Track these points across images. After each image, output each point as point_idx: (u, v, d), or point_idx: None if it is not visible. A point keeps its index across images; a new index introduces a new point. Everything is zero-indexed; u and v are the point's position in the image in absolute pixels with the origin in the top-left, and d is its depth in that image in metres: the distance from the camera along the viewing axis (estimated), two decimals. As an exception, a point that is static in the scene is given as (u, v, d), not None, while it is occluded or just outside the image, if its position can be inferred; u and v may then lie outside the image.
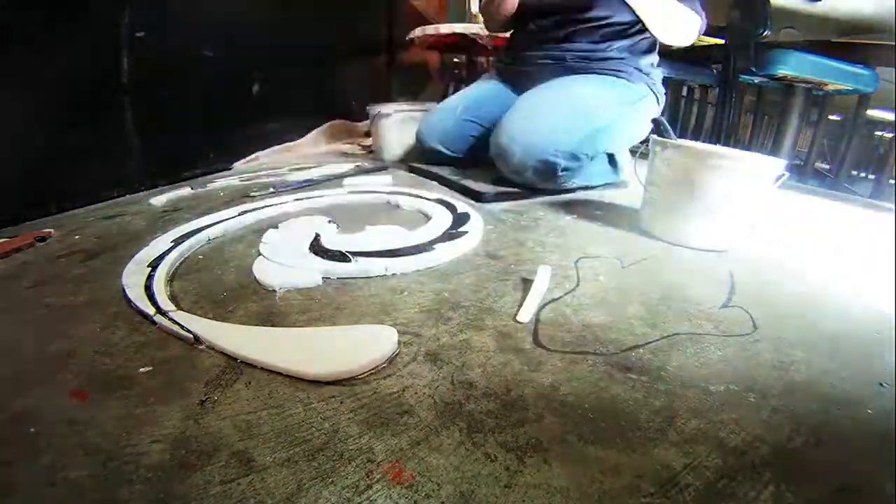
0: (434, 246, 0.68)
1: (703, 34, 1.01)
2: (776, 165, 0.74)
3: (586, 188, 1.12)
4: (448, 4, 2.39)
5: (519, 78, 1.16)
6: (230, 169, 1.24)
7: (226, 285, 0.57)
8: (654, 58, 1.11)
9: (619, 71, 1.05)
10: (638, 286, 0.62)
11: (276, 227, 0.73)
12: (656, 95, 1.11)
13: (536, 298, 0.55)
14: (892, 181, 1.92)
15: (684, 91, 2.45)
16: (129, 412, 0.36)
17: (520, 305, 0.54)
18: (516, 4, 1.07)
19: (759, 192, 0.76)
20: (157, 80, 0.98)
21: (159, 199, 0.89)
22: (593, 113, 0.99)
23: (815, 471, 0.34)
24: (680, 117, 2.47)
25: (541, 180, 1.00)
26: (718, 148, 1.02)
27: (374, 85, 2.03)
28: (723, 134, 1.71)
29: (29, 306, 0.51)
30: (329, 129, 1.69)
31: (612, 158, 1.15)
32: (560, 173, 0.99)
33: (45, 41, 0.77)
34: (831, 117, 2.23)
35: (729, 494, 0.31)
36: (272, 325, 0.49)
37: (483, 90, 1.23)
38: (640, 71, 1.07)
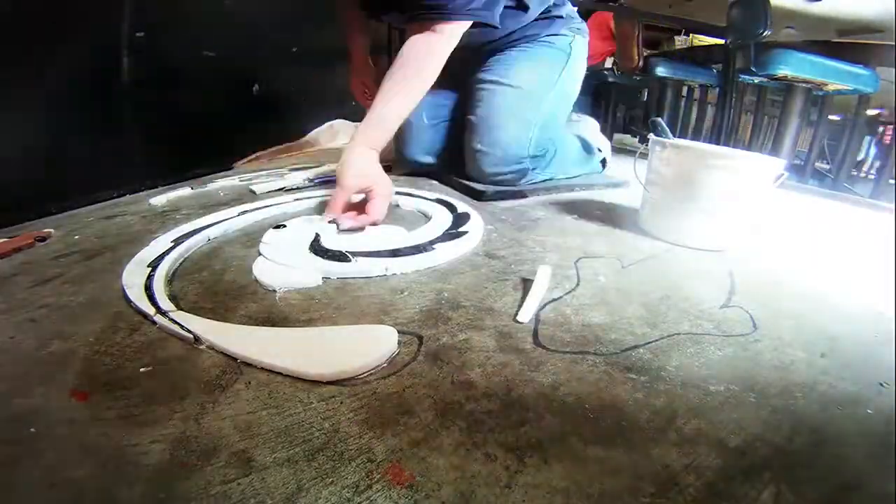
0: (434, 246, 0.68)
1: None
2: (776, 165, 0.74)
3: (570, 180, 1.15)
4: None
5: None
6: (230, 169, 1.24)
7: (226, 285, 0.57)
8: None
9: (534, 37, 1.06)
10: (638, 286, 0.62)
11: (277, 227, 0.73)
12: (577, 33, 1.11)
13: (536, 298, 0.55)
14: (892, 181, 1.92)
15: (684, 91, 2.46)
16: (129, 412, 0.36)
17: (520, 305, 0.54)
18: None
19: (758, 191, 0.76)
20: (157, 80, 0.98)
21: (159, 199, 0.89)
22: (534, 106, 1.03)
23: (815, 471, 0.34)
24: (680, 117, 2.47)
25: (520, 181, 1.06)
26: (718, 148, 1.03)
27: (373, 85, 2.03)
28: (723, 134, 1.71)
29: (29, 306, 0.51)
30: (329, 129, 1.69)
31: (585, 144, 1.20)
32: (532, 170, 1.05)
33: (45, 41, 0.77)
34: (831, 117, 2.23)
35: (729, 494, 0.31)
36: (272, 325, 0.49)
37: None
38: (552, 25, 1.07)
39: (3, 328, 0.47)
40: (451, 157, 1.15)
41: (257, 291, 0.56)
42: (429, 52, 0.82)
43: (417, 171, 1.20)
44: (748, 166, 0.75)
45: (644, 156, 0.87)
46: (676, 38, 2.75)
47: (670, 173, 0.79)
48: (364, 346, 0.44)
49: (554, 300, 0.57)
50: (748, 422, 0.38)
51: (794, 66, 1.42)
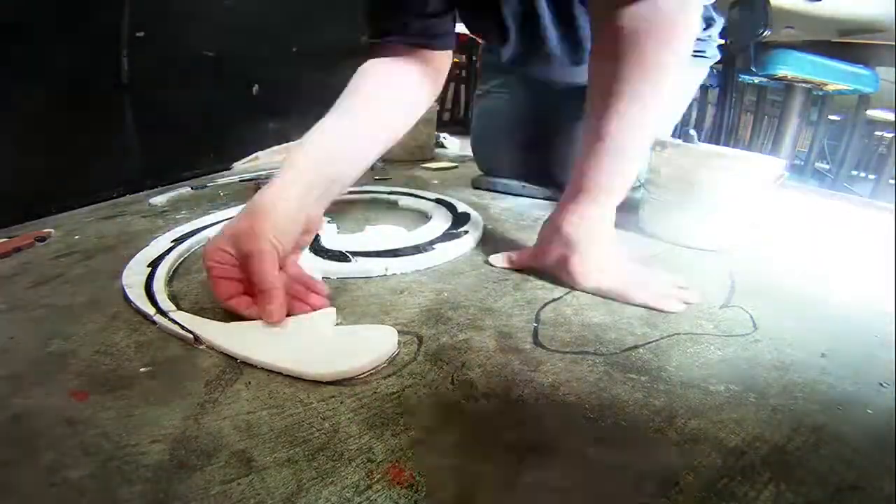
0: (434, 246, 0.68)
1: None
2: (776, 165, 0.74)
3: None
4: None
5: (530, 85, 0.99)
6: (230, 169, 1.24)
7: (226, 285, 0.57)
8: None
9: None
10: (638, 286, 0.62)
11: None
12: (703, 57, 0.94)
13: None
14: (892, 181, 1.92)
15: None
16: (129, 412, 0.36)
17: None
18: None
19: (758, 191, 0.76)
20: (157, 80, 0.98)
21: (159, 199, 0.89)
22: None
23: (815, 471, 0.34)
24: (680, 117, 2.47)
25: None
26: (718, 147, 1.03)
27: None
28: (723, 134, 1.71)
29: (29, 306, 0.51)
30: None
31: None
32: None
33: (44, 41, 0.77)
34: (831, 117, 2.23)
35: (729, 494, 0.31)
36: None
37: (502, 114, 1.05)
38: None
39: (3, 328, 0.47)
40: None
41: (257, 291, 0.56)
42: (667, 43, 0.49)
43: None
44: (748, 166, 0.76)
45: (644, 156, 0.87)
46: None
47: (670, 173, 0.79)
48: (364, 346, 0.44)
49: (554, 300, 0.57)
50: (748, 422, 0.38)
51: (794, 66, 1.42)
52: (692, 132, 0.88)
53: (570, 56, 0.80)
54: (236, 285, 0.46)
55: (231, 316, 0.50)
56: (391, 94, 0.61)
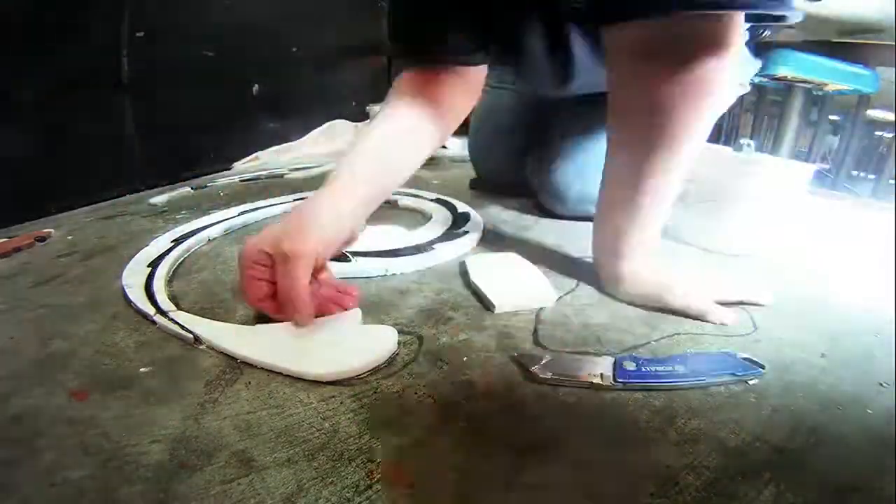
0: (434, 246, 0.68)
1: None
2: (804, 170, 0.74)
3: None
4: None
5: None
6: (230, 169, 1.24)
7: (226, 285, 0.57)
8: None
9: None
10: (638, 286, 0.62)
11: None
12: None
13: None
14: (892, 181, 1.91)
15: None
16: (129, 412, 0.36)
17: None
18: None
19: (788, 197, 0.76)
20: (157, 80, 0.98)
21: (159, 199, 0.89)
22: None
23: (815, 471, 0.34)
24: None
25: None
26: (721, 147, 1.02)
27: (374, 85, 2.03)
28: (723, 134, 1.71)
29: (29, 306, 0.51)
30: (329, 129, 1.69)
31: None
32: None
33: (44, 40, 0.78)
34: (831, 117, 2.23)
35: (729, 494, 0.31)
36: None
37: (502, 112, 0.98)
38: None
39: (3, 328, 0.47)
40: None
41: (257, 291, 0.56)
42: (708, 86, 0.45)
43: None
44: (778, 172, 0.75)
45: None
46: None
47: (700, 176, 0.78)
48: (364, 346, 0.44)
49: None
50: (748, 422, 0.38)
51: (794, 66, 1.41)
52: (747, 141, 0.80)
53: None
54: (268, 287, 0.46)
55: (231, 316, 0.50)
56: (431, 109, 0.61)
